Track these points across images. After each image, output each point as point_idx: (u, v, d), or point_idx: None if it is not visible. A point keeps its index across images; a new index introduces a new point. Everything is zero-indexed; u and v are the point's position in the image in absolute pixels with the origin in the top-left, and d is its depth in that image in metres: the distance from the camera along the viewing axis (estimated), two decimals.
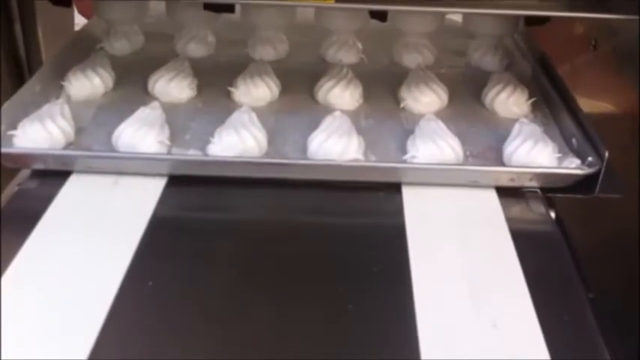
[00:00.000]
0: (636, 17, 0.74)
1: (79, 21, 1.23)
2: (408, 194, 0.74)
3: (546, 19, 0.88)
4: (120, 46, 1.01)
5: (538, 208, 0.74)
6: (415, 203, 0.73)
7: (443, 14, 1.02)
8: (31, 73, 1.04)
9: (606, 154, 0.72)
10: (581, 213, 0.83)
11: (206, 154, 0.75)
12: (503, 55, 1.01)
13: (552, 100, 0.89)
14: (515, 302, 0.62)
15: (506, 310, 0.61)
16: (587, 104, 0.90)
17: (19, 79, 1.04)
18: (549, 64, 0.97)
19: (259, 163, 0.74)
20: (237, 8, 1.00)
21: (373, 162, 0.75)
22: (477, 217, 0.72)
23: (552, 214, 0.74)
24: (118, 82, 0.92)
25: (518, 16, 0.99)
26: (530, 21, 0.95)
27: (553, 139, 0.81)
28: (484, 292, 0.63)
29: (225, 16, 1.07)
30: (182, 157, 0.75)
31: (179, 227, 0.71)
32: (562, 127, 0.84)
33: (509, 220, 0.71)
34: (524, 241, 0.69)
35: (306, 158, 0.76)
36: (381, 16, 0.92)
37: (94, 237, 0.67)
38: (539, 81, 0.95)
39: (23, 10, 1.04)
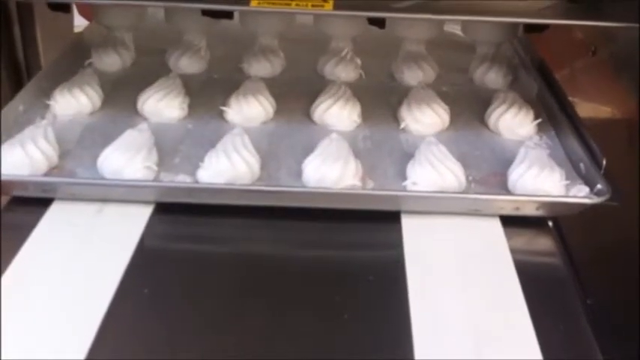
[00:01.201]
0: (636, 25, 0.71)
1: (79, 23, 1.21)
2: (408, 223, 0.71)
3: (545, 26, 0.85)
4: (110, 61, 0.97)
5: (545, 240, 0.70)
6: (415, 234, 0.69)
7: (441, 22, 1.00)
8: (30, 76, 1.03)
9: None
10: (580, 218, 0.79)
11: (195, 182, 0.71)
12: (506, 71, 0.98)
13: (558, 119, 0.86)
14: (521, 344, 0.58)
15: (510, 352, 0.57)
16: (586, 109, 0.90)
17: (17, 83, 1.02)
18: (551, 77, 0.94)
19: (250, 191, 0.70)
20: (236, 15, 0.98)
21: (371, 190, 0.71)
22: (480, 250, 0.68)
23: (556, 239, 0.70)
24: (107, 101, 0.88)
25: (517, 24, 0.96)
26: (530, 28, 0.93)
27: (560, 162, 0.77)
28: (487, 333, 0.59)
29: (221, 29, 1.04)
30: (169, 185, 0.71)
31: (165, 259, 0.67)
32: (568, 150, 0.81)
33: (514, 253, 0.68)
34: (530, 277, 0.66)
35: (301, 185, 0.72)
36: (379, 22, 0.89)
37: (75, 271, 0.63)
38: (544, 98, 0.91)
39: (22, 13, 1.01)
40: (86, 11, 1.16)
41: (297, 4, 0.72)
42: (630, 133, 0.81)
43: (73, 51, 1.01)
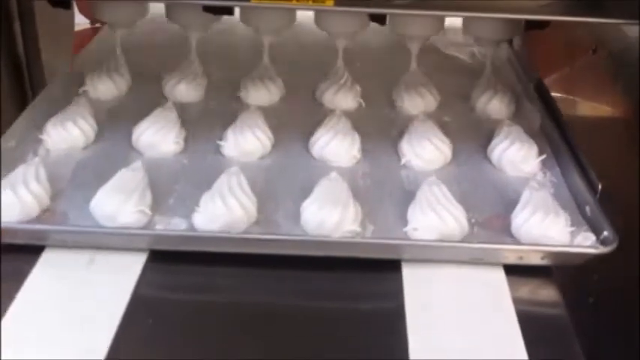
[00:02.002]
0: (636, 22, 0.71)
1: (79, 21, 1.20)
2: (409, 272, 0.69)
3: (546, 23, 0.86)
4: (104, 88, 0.95)
5: (548, 290, 0.68)
6: (416, 283, 0.68)
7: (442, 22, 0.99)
8: (30, 73, 1.02)
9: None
10: None
11: (189, 228, 0.69)
12: (510, 99, 0.96)
13: (562, 154, 0.84)
14: None
15: None
16: (585, 108, 0.92)
17: (17, 79, 1.02)
18: (555, 106, 0.93)
19: (245, 240, 0.68)
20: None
21: (370, 239, 0.69)
22: (482, 300, 0.67)
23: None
24: (101, 132, 0.86)
25: (518, 21, 0.95)
26: (530, 25, 0.93)
27: (565, 203, 0.75)
28: None
29: (219, 51, 1.03)
30: (162, 233, 0.69)
31: (160, 309, 0.65)
32: (573, 189, 0.79)
33: (517, 304, 0.66)
34: (533, 327, 0.64)
35: (299, 230, 0.70)
36: (380, 19, 0.90)
37: (71, 322, 0.62)
38: (547, 129, 0.90)
39: (22, 9, 1.00)
40: (86, 10, 1.15)
41: (297, 0, 0.72)
42: (630, 132, 0.80)
43: (67, 77, 0.98)
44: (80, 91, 0.94)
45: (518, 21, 0.94)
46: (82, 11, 1.17)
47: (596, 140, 0.78)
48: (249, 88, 0.95)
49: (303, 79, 1.01)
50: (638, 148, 0.80)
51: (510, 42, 1.15)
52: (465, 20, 1.00)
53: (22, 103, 1.02)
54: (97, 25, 1.23)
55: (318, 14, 0.97)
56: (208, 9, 0.91)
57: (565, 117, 0.90)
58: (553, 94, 0.97)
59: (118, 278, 0.66)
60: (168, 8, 0.99)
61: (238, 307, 0.66)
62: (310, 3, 0.72)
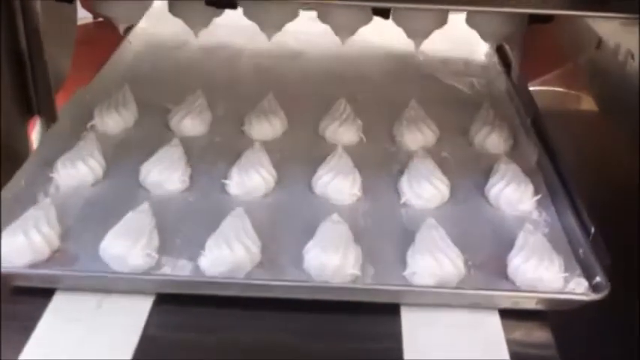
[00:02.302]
0: (636, 16, 0.73)
1: (82, 15, 1.21)
2: (407, 315, 0.71)
3: (549, 17, 0.86)
4: (112, 123, 0.97)
5: (542, 333, 0.71)
6: (414, 326, 0.70)
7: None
8: (33, 69, 1.02)
9: None
10: None
11: (194, 273, 0.72)
12: (507, 134, 0.98)
13: (558, 194, 0.86)
14: None
15: None
16: (589, 103, 0.95)
17: (20, 75, 1.02)
18: (551, 141, 0.95)
19: (248, 284, 0.71)
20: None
21: (370, 285, 0.72)
22: (477, 343, 0.69)
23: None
24: (109, 169, 0.89)
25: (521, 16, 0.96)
26: (534, 19, 0.92)
27: (559, 245, 0.78)
28: None
29: (223, 87, 1.05)
30: (166, 278, 0.71)
31: (168, 352, 0.68)
32: (568, 230, 0.81)
33: (511, 345, 0.68)
34: None
35: (300, 276, 0.72)
36: (383, 13, 0.91)
37: None
38: (543, 166, 0.92)
39: (25, 4, 1.01)
40: (88, 5, 1.14)
41: None
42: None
43: (75, 109, 1.01)
44: (88, 125, 0.96)
45: (522, 16, 0.95)
46: (84, 6, 1.17)
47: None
48: (253, 123, 0.97)
49: (306, 111, 1.03)
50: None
51: (509, 73, 1.17)
52: (469, 14, 1.00)
53: (24, 99, 1.03)
54: (100, 19, 1.25)
55: (321, 8, 0.98)
56: (211, 2, 0.90)
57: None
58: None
59: (126, 321, 0.69)
60: (170, 3, 0.99)
61: (242, 348, 0.68)
62: None
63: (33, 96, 1.05)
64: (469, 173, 0.92)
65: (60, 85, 1.10)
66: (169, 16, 0.98)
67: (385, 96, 1.10)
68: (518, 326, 0.71)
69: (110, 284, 0.71)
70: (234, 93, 1.08)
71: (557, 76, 1.27)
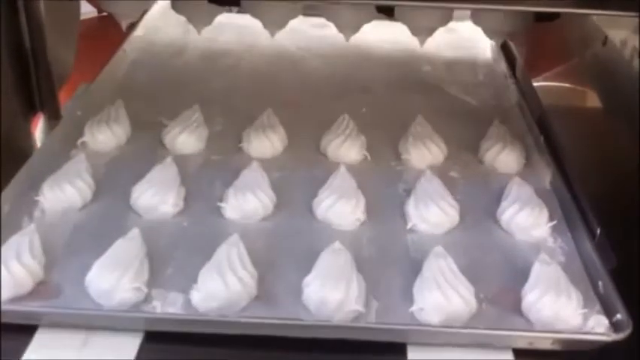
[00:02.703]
0: (636, 14, 0.72)
1: (86, 10, 1.18)
2: (414, 355, 0.66)
3: (553, 15, 0.88)
4: (104, 139, 0.92)
5: None
6: None
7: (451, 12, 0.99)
8: (37, 66, 1.00)
9: None
10: None
11: (183, 313, 0.67)
12: (519, 153, 0.93)
13: (573, 219, 0.81)
14: None
15: None
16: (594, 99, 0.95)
17: (23, 72, 1.00)
18: (566, 162, 0.90)
19: (242, 324, 0.66)
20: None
21: (374, 324, 0.67)
22: None
23: None
24: (98, 191, 0.84)
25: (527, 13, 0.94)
26: (539, 17, 0.94)
27: (575, 276, 0.73)
28: None
29: (220, 102, 1.01)
30: (154, 316, 0.66)
31: None
32: (585, 259, 0.76)
33: None
34: None
35: (298, 313, 0.67)
36: (388, 11, 0.91)
37: None
38: (558, 189, 0.87)
39: (28, 2, 0.98)
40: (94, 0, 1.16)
41: None
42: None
43: (65, 127, 0.96)
44: (79, 142, 0.91)
45: (527, 13, 0.93)
46: (90, 1, 1.19)
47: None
48: (252, 140, 0.93)
49: (307, 126, 0.98)
50: None
51: (514, 71, 1.13)
52: (474, 11, 1.00)
53: (27, 96, 1.01)
54: (104, 13, 1.22)
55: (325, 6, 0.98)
56: (214, 0, 0.92)
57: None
58: None
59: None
60: (173, 1, 0.99)
61: None
62: None
63: (36, 93, 1.02)
64: (479, 195, 0.87)
65: (63, 81, 1.07)
66: (167, 22, 0.95)
67: (390, 109, 1.05)
68: None
69: (95, 321, 0.66)
70: (232, 106, 1.03)
71: (561, 72, 1.25)
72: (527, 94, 1.07)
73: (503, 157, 0.92)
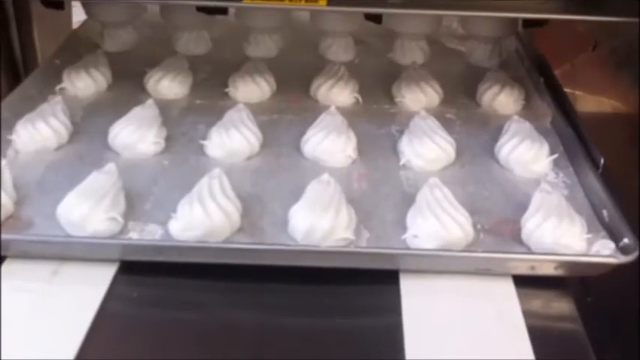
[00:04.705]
0: (636, 19, 0.69)
1: (78, 19, 1.14)
2: (407, 284, 0.62)
3: (544, 21, 0.85)
4: (83, 86, 0.88)
5: (563, 303, 0.61)
6: (415, 296, 0.61)
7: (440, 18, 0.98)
8: (28, 74, 0.97)
9: None
10: None
11: (163, 238, 0.62)
12: (518, 95, 0.89)
13: (576, 154, 0.77)
14: None
15: None
16: (586, 103, 0.90)
17: (15, 81, 0.97)
18: (567, 102, 0.86)
19: (226, 249, 0.61)
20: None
21: (364, 248, 0.62)
22: (489, 315, 0.60)
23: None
24: (75, 132, 0.80)
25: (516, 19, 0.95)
26: (529, 23, 0.93)
27: (579, 207, 0.69)
28: None
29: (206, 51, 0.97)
30: (132, 242, 0.62)
31: (130, 328, 0.59)
32: (589, 191, 0.72)
33: (528, 318, 0.59)
34: (546, 345, 0.57)
35: (286, 238, 0.63)
36: (376, 18, 0.89)
37: (26, 345, 0.55)
38: (559, 127, 0.83)
39: (19, 11, 0.98)
40: None
41: (290, 0, 0.70)
42: (630, 127, 0.77)
43: (45, 73, 0.92)
44: (57, 88, 0.87)
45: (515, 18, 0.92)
46: None
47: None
48: (238, 85, 0.88)
49: (298, 74, 0.94)
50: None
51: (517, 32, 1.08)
52: (462, 18, 0.98)
53: None
54: None
55: (313, 13, 0.96)
56: (202, 9, 0.91)
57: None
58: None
59: (83, 292, 0.60)
60: (162, 8, 0.99)
61: (218, 325, 0.59)
62: (303, 3, 0.70)
63: None
64: (477, 134, 0.83)
65: None
66: None
67: (384, 60, 1.01)
68: (535, 295, 0.61)
69: (67, 250, 0.62)
70: (219, 57, 0.99)
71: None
72: (525, 40, 1.03)
73: (501, 98, 0.88)
